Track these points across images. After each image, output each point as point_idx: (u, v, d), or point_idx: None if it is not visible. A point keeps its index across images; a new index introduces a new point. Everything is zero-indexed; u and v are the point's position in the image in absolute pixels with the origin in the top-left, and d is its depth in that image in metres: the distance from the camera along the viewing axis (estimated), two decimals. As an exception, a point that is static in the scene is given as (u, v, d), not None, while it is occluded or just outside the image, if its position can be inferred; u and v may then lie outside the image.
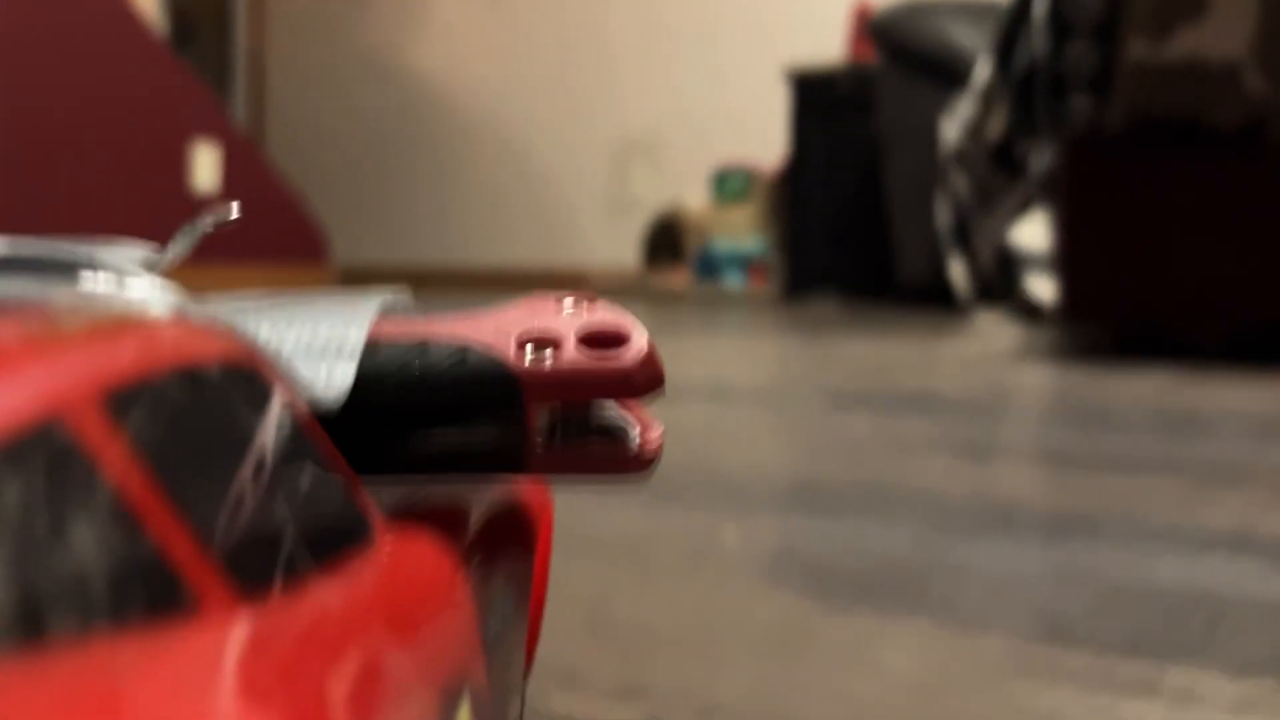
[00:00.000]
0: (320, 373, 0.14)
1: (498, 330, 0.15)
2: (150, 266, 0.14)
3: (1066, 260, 1.24)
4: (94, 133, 2.12)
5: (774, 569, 0.36)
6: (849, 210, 2.32)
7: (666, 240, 2.89)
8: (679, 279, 2.83)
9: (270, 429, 0.10)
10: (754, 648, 0.28)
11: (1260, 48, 1.09)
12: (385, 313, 0.15)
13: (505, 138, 3.39)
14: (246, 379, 0.10)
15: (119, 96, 2.16)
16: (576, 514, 0.41)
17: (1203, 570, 0.35)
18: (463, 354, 0.14)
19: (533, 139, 3.35)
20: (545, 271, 3.27)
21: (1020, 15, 1.29)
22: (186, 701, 0.07)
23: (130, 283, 0.12)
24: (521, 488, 0.18)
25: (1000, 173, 1.64)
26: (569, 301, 0.15)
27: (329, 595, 0.10)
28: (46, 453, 0.08)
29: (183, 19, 3.12)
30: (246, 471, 0.10)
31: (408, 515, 0.14)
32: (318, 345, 0.14)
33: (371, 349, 0.14)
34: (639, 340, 0.14)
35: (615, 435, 0.15)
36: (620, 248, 3.14)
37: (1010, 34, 1.31)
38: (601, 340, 0.14)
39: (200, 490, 0.09)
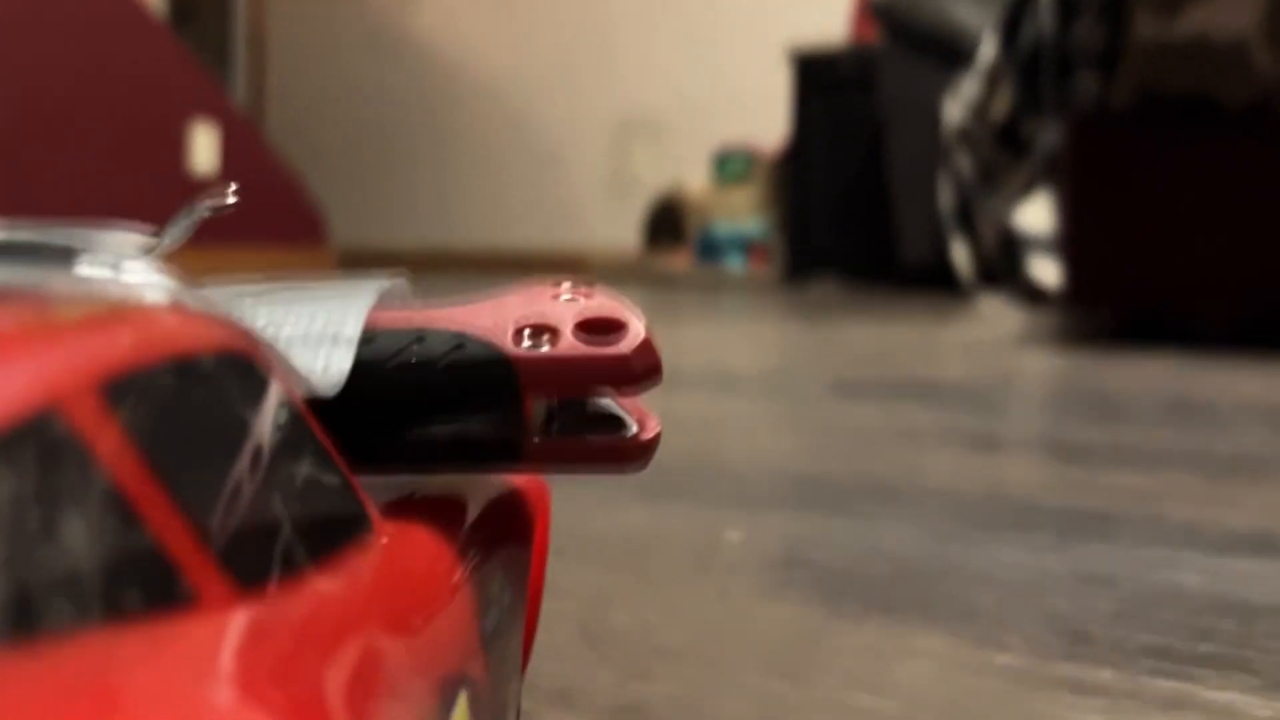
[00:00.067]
0: (317, 361, 0.14)
1: (495, 318, 0.15)
2: (146, 251, 0.13)
3: (1070, 242, 1.22)
4: (92, 112, 2.10)
5: (781, 572, 0.34)
6: (851, 192, 2.30)
7: (667, 222, 2.88)
8: (680, 261, 2.81)
9: (267, 419, 0.10)
10: (761, 661, 0.26)
11: (1269, 26, 1.07)
12: (383, 300, 0.15)
13: (506, 119, 3.36)
14: (243, 368, 0.10)
15: (117, 76, 2.14)
16: (572, 512, 0.40)
17: (1228, 573, 0.34)
18: (460, 342, 0.14)
19: (533, 120, 3.33)
20: (545, 253, 3.25)
21: (1027, -7, 1.27)
22: (183, 694, 0.07)
23: (126, 268, 0.12)
24: (519, 479, 0.18)
25: (1005, 152, 1.62)
26: (566, 288, 0.15)
27: (326, 587, 0.10)
28: (42, 443, 0.07)
29: (181, -2, 3.10)
30: (243, 462, 0.10)
31: (405, 507, 0.14)
32: (315, 333, 0.14)
33: (368, 337, 0.14)
34: (637, 328, 0.14)
35: (613, 426, 0.15)
36: (621, 229, 3.12)
37: (1016, 11, 1.29)
38: (599, 328, 0.14)
39: (196, 481, 0.09)
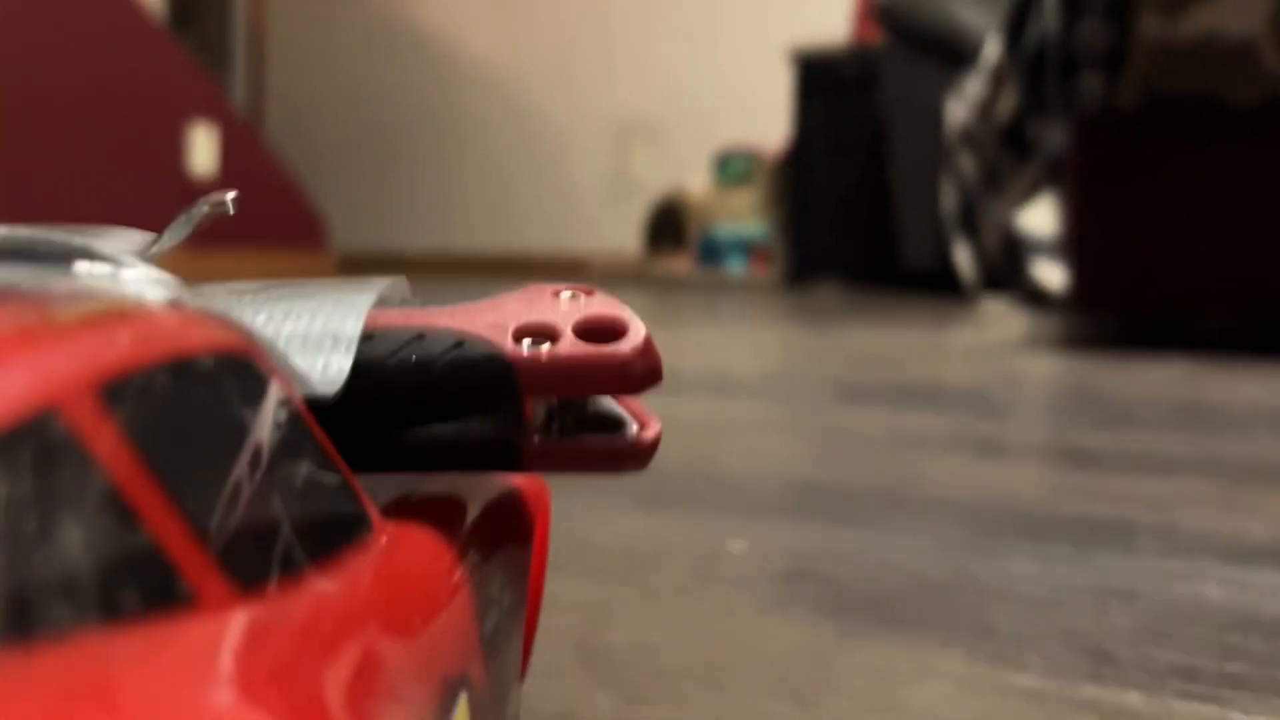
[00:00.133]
0: (316, 363, 0.14)
1: (494, 321, 0.15)
2: (145, 254, 0.13)
3: (1075, 244, 1.21)
4: (91, 114, 2.09)
5: (787, 586, 0.33)
6: (853, 194, 2.29)
7: (668, 225, 2.86)
8: (681, 265, 2.80)
9: (267, 421, 0.10)
10: (767, 682, 0.25)
11: (1279, 25, 1.06)
12: (382, 302, 0.15)
13: (506, 121, 3.35)
14: (242, 370, 0.10)
15: (116, 77, 2.13)
16: (570, 521, 0.38)
17: (1251, 586, 0.32)
18: (459, 345, 0.14)
19: (534, 122, 3.32)
20: (546, 256, 3.24)
21: (1031, -8, 1.26)
22: (181, 696, 0.07)
23: (125, 271, 0.11)
24: (518, 480, 0.18)
25: (1010, 153, 1.61)
26: (566, 293, 0.15)
27: (326, 588, 0.10)
28: (40, 444, 0.07)
29: None
30: (242, 464, 0.10)
31: (404, 509, 0.14)
32: (314, 335, 0.14)
33: (368, 340, 0.14)
34: (636, 332, 0.14)
35: (612, 428, 0.15)
36: (621, 233, 3.11)
37: (1021, 10, 1.28)
38: (599, 332, 0.14)
39: (195, 482, 0.09)
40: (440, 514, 0.14)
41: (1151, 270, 1.15)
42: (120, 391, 0.08)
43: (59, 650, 0.07)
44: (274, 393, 0.11)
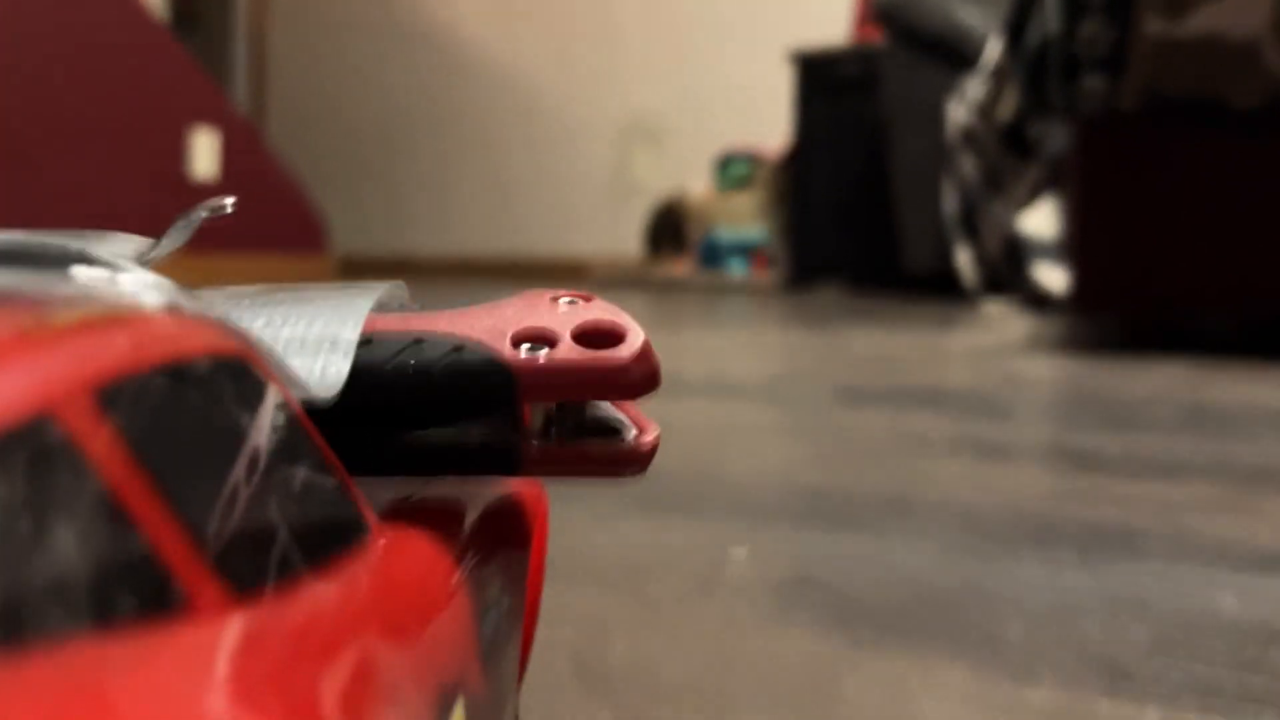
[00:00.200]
0: (314, 368, 0.14)
1: (493, 327, 0.15)
2: (143, 259, 0.13)
3: (1077, 246, 1.20)
4: (93, 117, 2.08)
5: (791, 595, 0.32)
6: (854, 196, 2.29)
7: (669, 228, 2.86)
8: (682, 268, 2.79)
9: (264, 426, 0.10)
10: (772, 697, 0.24)
11: (1280, 25, 1.05)
12: (380, 308, 0.15)
13: (507, 125, 3.35)
14: (240, 375, 0.10)
15: (118, 80, 2.13)
16: (568, 529, 0.38)
17: (1265, 595, 0.32)
18: (457, 350, 0.14)
19: (534, 126, 3.31)
20: (546, 260, 3.24)
21: (1033, -8, 1.25)
22: (176, 702, 0.07)
23: (122, 276, 0.11)
24: (517, 485, 0.18)
25: (1011, 154, 1.60)
26: (565, 298, 0.15)
27: (322, 595, 0.10)
28: (35, 448, 0.07)
29: (184, 3, 3.08)
30: (239, 469, 0.10)
31: (402, 514, 0.14)
32: (312, 340, 0.14)
33: (366, 344, 0.14)
34: (635, 338, 0.14)
35: (610, 434, 0.15)
36: (622, 236, 3.11)
37: (1022, 11, 1.27)
38: (597, 338, 0.14)
39: (192, 488, 0.09)
40: (438, 518, 0.14)
41: (1153, 272, 1.15)
42: (116, 395, 0.08)
43: (53, 656, 0.07)
44: (271, 397, 0.11)
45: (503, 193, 3.36)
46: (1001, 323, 1.52)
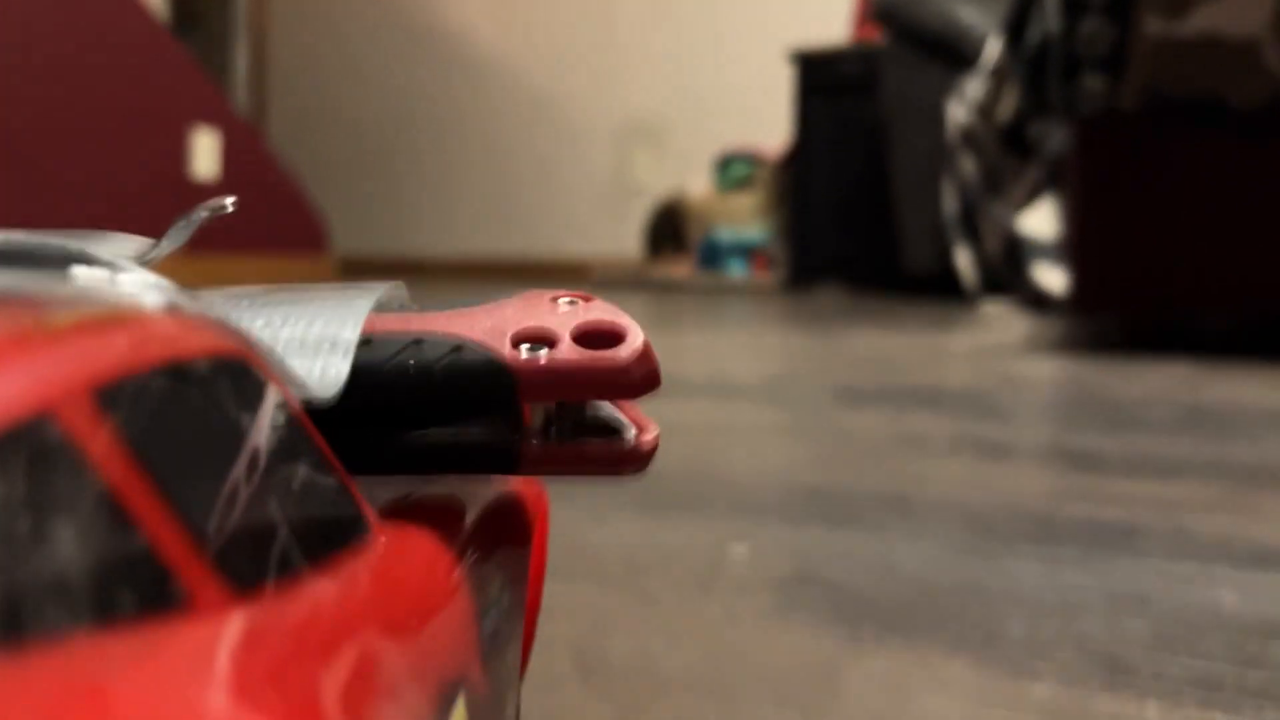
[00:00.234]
0: (314, 368, 0.14)
1: (493, 327, 0.15)
2: (143, 259, 0.13)
3: (1077, 246, 1.20)
4: (93, 117, 2.08)
5: (791, 592, 0.32)
6: (854, 196, 2.29)
7: (669, 229, 2.86)
8: (681, 269, 2.79)
9: (264, 425, 0.10)
10: (772, 693, 0.24)
11: (1280, 25, 1.05)
12: (380, 308, 0.15)
13: (508, 125, 3.35)
14: (240, 374, 0.10)
15: (119, 81, 2.13)
16: (568, 525, 0.38)
17: (1265, 591, 0.32)
18: (457, 350, 0.14)
19: (535, 126, 3.31)
20: (546, 261, 3.24)
21: (1033, -9, 1.25)
22: (176, 699, 0.07)
23: (122, 276, 0.11)
24: (517, 483, 0.18)
25: (1011, 154, 1.60)
26: (565, 299, 0.15)
27: (323, 593, 0.10)
28: (34, 448, 0.07)
29: (184, 3, 3.08)
30: (240, 468, 0.10)
31: (402, 512, 0.14)
32: (312, 340, 0.14)
33: (366, 345, 0.14)
34: (635, 338, 0.14)
35: (610, 433, 0.15)
36: (622, 236, 3.11)
37: (1022, 10, 1.27)
38: (597, 338, 0.14)
39: (192, 486, 0.09)
40: (438, 517, 0.14)
41: (1153, 272, 1.15)
42: (116, 395, 0.08)
43: (53, 654, 0.07)
44: (271, 397, 0.11)
45: (503, 193, 3.36)
46: (1001, 323, 1.52)
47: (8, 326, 0.08)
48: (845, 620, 0.29)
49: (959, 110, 1.67)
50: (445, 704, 0.11)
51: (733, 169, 2.79)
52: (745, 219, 2.73)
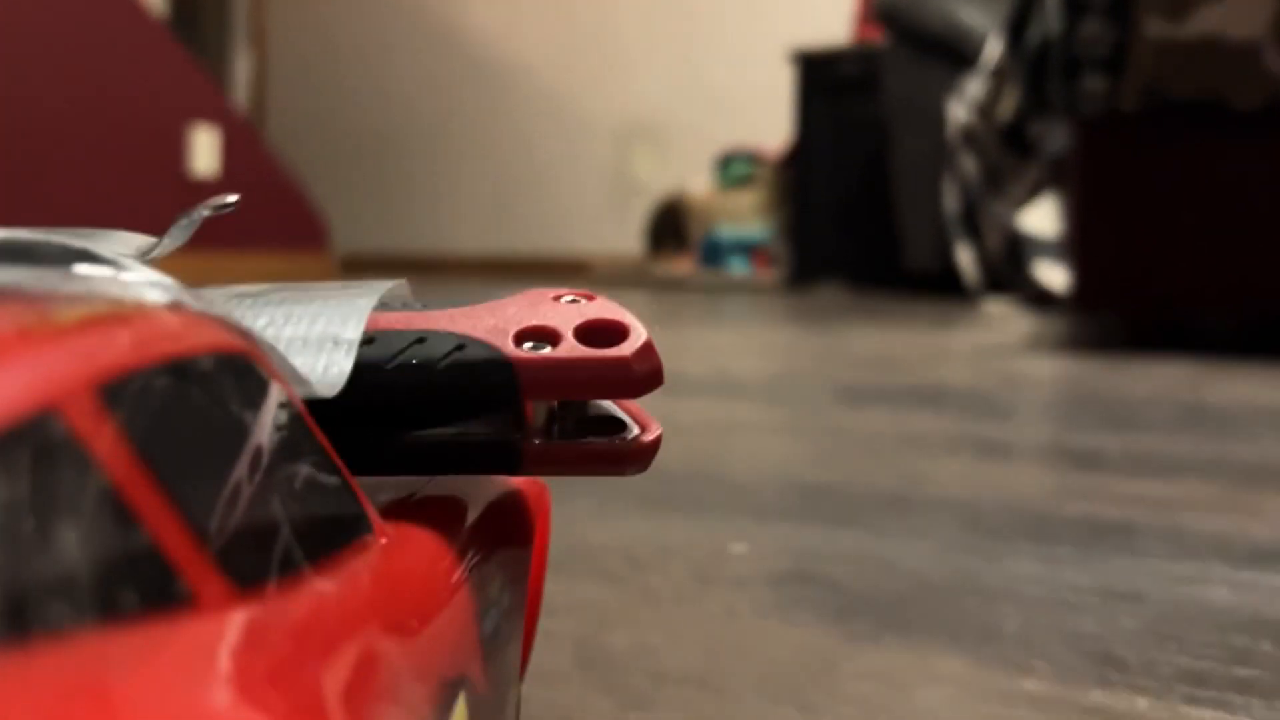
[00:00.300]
0: (318, 363, 0.14)
1: (495, 325, 0.15)
2: (145, 256, 0.13)
3: (1078, 246, 1.20)
4: (92, 115, 2.09)
5: (790, 589, 0.32)
6: (855, 195, 2.29)
7: (670, 226, 2.86)
8: (683, 266, 2.79)
9: (267, 423, 0.10)
10: (771, 687, 0.25)
11: (1281, 26, 1.05)
12: (383, 306, 0.15)
13: (508, 123, 3.35)
14: (243, 372, 0.10)
15: (117, 78, 2.13)
16: (570, 523, 0.38)
17: (1258, 589, 0.32)
18: (460, 348, 0.14)
19: (536, 124, 3.31)
20: (547, 258, 3.24)
21: (1033, -8, 1.25)
22: (179, 695, 0.07)
23: (125, 274, 0.11)
24: (519, 481, 0.18)
25: (1011, 154, 1.60)
26: (567, 297, 0.15)
27: (325, 589, 0.10)
28: (38, 445, 0.07)
29: (183, 3, 3.08)
30: (243, 465, 0.10)
31: (405, 511, 0.14)
32: (315, 337, 0.14)
33: (369, 342, 0.14)
34: (637, 336, 0.14)
35: (613, 429, 0.15)
36: (623, 234, 3.11)
37: (1023, 10, 1.28)
38: (600, 336, 0.14)
39: (195, 484, 0.09)
40: (440, 515, 0.14)
41: (1154, 271, 1.15)
42: (120, 392, 0.08)
43: (57, 650, 0.07)
44: (274, 394, 0.11)
45: (505, 190, 3.36)
46: (1002, 322, 1.52)
47: (11, 323, 0.08)
48: (842, 617, 0.30)
49: (959, 110, 1.68)
50: (446, 703, 0.11)
51: (733, 168, 2.80)
52: (746, 216, 2.73)
